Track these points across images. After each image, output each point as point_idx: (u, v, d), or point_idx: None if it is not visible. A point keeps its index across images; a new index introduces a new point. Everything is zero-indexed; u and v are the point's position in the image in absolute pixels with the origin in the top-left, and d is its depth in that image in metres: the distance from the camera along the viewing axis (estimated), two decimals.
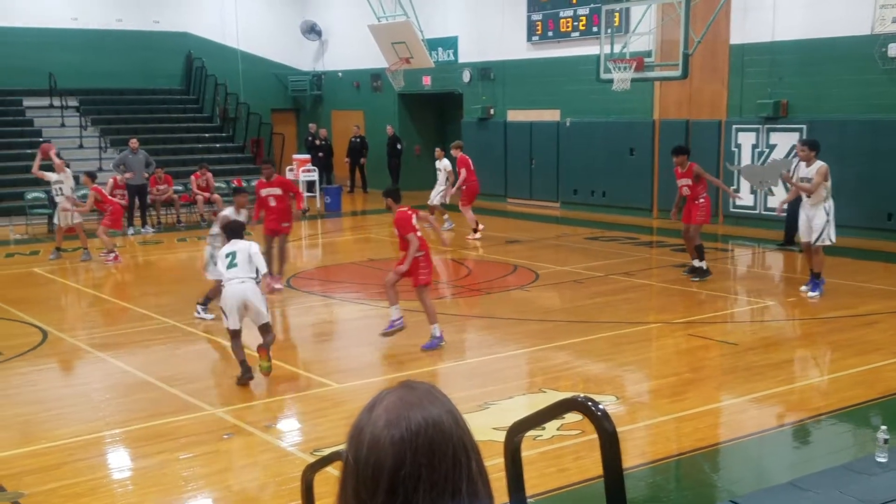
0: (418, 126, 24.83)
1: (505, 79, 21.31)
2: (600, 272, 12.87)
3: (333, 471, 1.52)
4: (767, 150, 16.34)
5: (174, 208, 19.18)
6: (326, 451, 5.38)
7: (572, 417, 5.11)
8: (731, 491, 5.66)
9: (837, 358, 8.65)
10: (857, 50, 14.74)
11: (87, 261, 14.55)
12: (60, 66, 22.30)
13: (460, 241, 16.04)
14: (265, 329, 8.23)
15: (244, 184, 21.05)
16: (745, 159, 16.60)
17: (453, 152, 16.84)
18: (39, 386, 8.26)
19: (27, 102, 22.42)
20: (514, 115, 21.23)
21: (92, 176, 15.23)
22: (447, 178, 16.97)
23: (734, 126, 16.92)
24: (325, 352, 9.63)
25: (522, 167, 21.00)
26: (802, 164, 11.34)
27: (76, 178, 15.85)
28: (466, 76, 22.25)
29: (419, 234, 9.01)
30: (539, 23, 20.21)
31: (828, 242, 10.87)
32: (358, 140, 24.57)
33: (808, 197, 10.95)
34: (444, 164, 17.12)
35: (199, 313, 10.39)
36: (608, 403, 7.23)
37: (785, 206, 12.51)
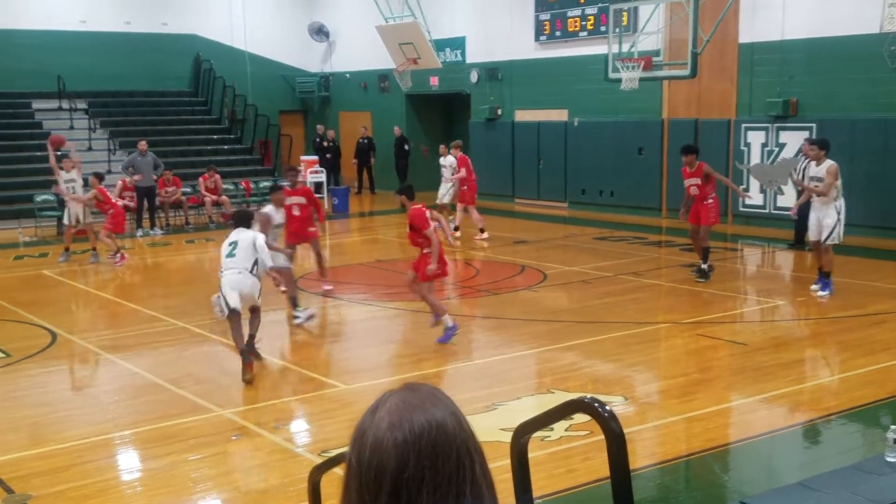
0: (426, 127, 24.83)
1: (513, 79, 21.29)
2: (609, 272, 12.84)
3: (340, 472, 1.51)
4: (777, 149, 16.28)
5: (182, 210, 19.22)
6: (334, 453, 5.38)
7: (581, 418, 5.09)
8: (740, 491, 5.64)
9: (847, 358, 8.60)
10: (866, 48, 14.67)
11: (96, 263, 14.59)
12: (69, 68, 22.37)
13: (468, 242, 16.03)
14: (254, 310, 8.52)
15: (253, 186, 21.17)
16: (755, 158, 16.54)
17: (453, 152, 16.81)
18: (48, 388, 8.28)
19: (36, 105, 22.50)
20: (522, 115, 21.20)
21: (100, 177, 15.26)
22: (452, 174, 16.88)
23: (743, 125, 16.87)
24: (333, 353, 9.62)
25: (530, 167, 20.97)
26: (812, 163, 11.30)
27: (84, 180, 15.89)
28: (474, 76, 22.23)
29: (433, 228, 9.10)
30: (547, 22, 20.18)
31: (836, 241, 10.83)
32: (365, 141, 24.58)
33: (818, 197, 10.91)
34: (448, 161, 17.09)
35: (299, 318, 10.14)
36: (617, 404, 7.21)
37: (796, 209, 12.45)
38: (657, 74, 15.86)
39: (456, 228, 16.14)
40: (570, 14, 19.63)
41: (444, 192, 17.21)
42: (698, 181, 11.95)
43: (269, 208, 10.25)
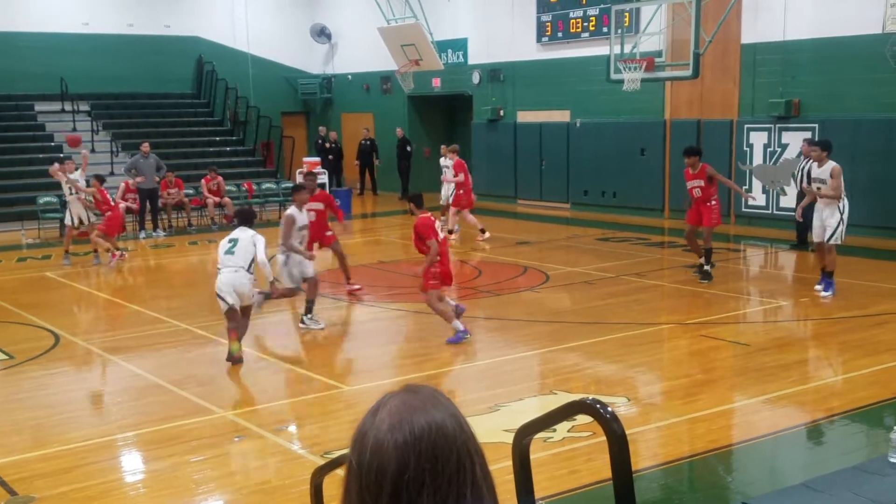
0: (428, 128, 24.84)
1: (515, 80, 21.28)
2: (611, 273, 12.84)
3: (342, 473, 1.51)
4: (779, 150, 16.27)
5: (185, 212, 19.24)
6: (337, 454, 5.39)
7: (583, 419, 5.10)
8: (743, 492, 5.63)
9: (850, 358, 8.59)
10: (868, 49, 14.66)
11: (98, 265, 14.61)
12: (72, 70, 22.41)
13: (470, 243, 16.03)
14: (246, 312, 8.70)
15: (255, 187, 21.18)
16: (757, 159, 16.53)
17: (450, 157, 16.72)
18: (51, 390, 8.28)
19: (39, 107, 22.54)
20: (524, 117, 21.20)
21: (100, 179, 15.27)
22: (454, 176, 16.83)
23: (746, 126, 16.86)
24: (336, 354, 9.62)
25: (532, 168, 20.97)
26: (814, 164, 11.29)
27: (87, 182, 15.89)
28: (476, 78, 22.24)
29: (440, 238, 9.17)
30: (549, 23, 20.18)
31: (838, 241, 10.82)
32: (368, 142, 24.59)
33: (822, 198, 10.91)
34: (448, 163, 17.05)
35: (306, 325, 10.06)
36: (619, 405, 7.20)
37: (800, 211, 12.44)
38: (659, 75, 15.84)
39: (450, 232, 16.12)
40: (571, 15, 19.63)
41: (448, 194, 17.19)
42: (701, 183, 11.93)
43: (292, 209, 10.08)
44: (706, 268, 12.01)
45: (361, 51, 24.46)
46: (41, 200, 18.50)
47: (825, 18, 15.39)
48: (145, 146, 18.28)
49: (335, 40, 26.47)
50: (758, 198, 16.07)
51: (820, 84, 15.68)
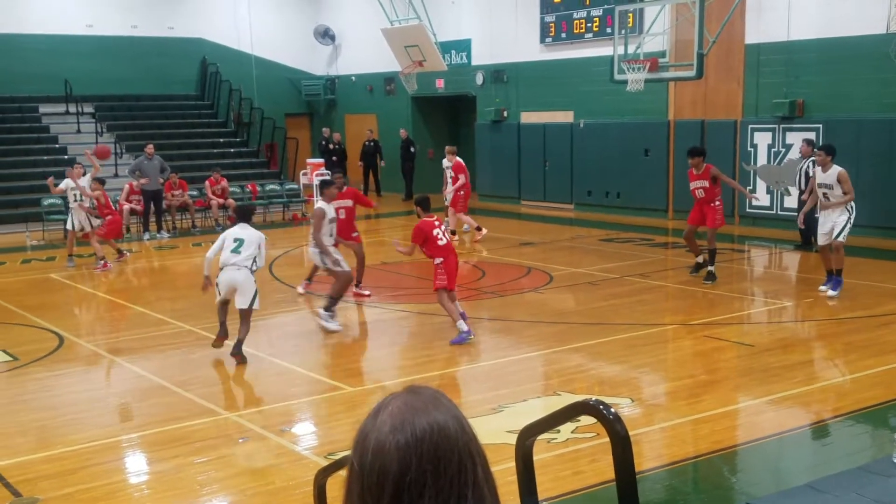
0: (431, 129, 24.85)
1: (518, 81, 21.29)
2: (615, 274, 12.83)
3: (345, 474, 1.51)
4: (783, 150, 16.25)
5: (189, 213, 19.27)
6: (340, 455, 5.39)
7: (587, 420, 5.09)
8: (748, 493, 5.62)
9: (855, 359, 8.57)
10: (872, 49, 14.63)
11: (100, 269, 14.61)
12: (76, 72, 22.44)
13: (473, 244, 16.04)
14: (244, 315, 8.75)
15: (259, 188, 21.19)
16: (761, 159, 16.51)
17: (449, 157, 16.71)
18: (56, 391, 8.30)
19: (43, 109, 22.58)
20: (528, 117, 21.20)
21: (101, 181, 15.27)
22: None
23: (750, 126, 16.84)
24: (340, 355, 9.62)
25: (536, 169, 20.96)
26: (815, 164, 11.27)
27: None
28: (479, 78, 22.24)
29: (441, 242, 9.28)
30: (552, 24, 20.18)
31: (841, 240, 10.81)
32: (371, 144, 24.60)
33: (827, 200, 10.89)
34: (448, 163, 17.01)
35: (326, 321, 9.97)
36: (623, 406, 7.20)
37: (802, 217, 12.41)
38: (663, 76, 15.83)
39: (453, 233, 16.13)
40: (575, 16, 19.63)
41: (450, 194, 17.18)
42: (705, 183, 11.93)
43: (321, 203, 10.16)
44: (710, 268, 12.00)
45: (365, 52, 24.47)
46: (45, 202, 18.53)
47: (829, 18, 15.37)
48: (149, 148, 18.31)
49: (339, 41, 26.49)
50: (762, 198, 16.07)
51: (824, 84, 15.66)
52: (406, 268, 13.77)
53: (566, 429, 6.41)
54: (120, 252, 15.10)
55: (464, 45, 22.49)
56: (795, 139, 15.95)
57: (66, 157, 20.53)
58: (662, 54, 15.98)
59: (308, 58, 26.76)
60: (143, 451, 6.79)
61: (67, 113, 22.33)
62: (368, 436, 1.42)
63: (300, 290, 12.05)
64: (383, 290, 12.33)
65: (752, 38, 16.62)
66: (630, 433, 2.11)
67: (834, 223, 10.84)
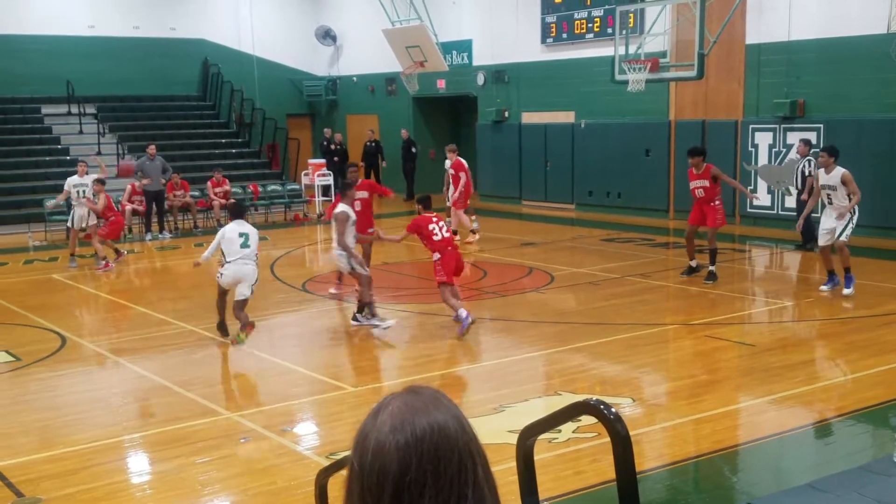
0: (433, 129, 24.86)
1: (519, 81, 21.29)
2: (616, 274, 12.84)
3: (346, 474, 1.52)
4: (784, 150, 16.25)
5: (191, 213, 19.29)
6: (342, 455, 5.40)
7: (588, 419, 5.10)
8: (749, 493, 5.63)
9: (856, 358, 8.57)
10: (873, 49, 14.63)
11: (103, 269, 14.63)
12: (78, 73, 22.46)
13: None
14: (239, 305, 9.18)
15: (260, 189, 21.21)
16: (762, 159, 16.51)
17: (449, 156, 16.69)
18: (58, 391, 8.32)
19: (45, 110, 22.60)
20: (529, 118, 21.21)
21: (102, 182, 15.30)
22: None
23: (751, 126, 16.84)
24: (341, 355, 9.63)
25: (537, 169, 20.97)
26: (815, 166, 11.27)
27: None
28: (481, 79, 22.25)
29: (436, 238, 9.49)
30: (553, 25, 20.18)
31: (843, 239, 10.82)
32: (373, 144, 24.61)
33: (830, 203, 10.90)
34: (448, 162, 17.01)
35: (367, 321, 9.86)
36: (624, 405, 7.20)
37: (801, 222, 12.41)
38: (664, 76, 15.84)
39: (454, 232, 16.10)
40: (576, 16, 19.64)
41: (452, 194, 17.17)
42: (706, 183, 11.92)
43: (344, 207, 9.97)
44: (711, 268, 12.00)
45: (366, 52, 24.49)
46: (48, 203, 18.54)
47: (830, 18, 15.37)
48: (151, 148, 18.32)
49: (340, 42, 26.50)
50: (762, 198, 16.07)
51: (825, 84, 15.66)
52: (407, 268, 13.79)
53: (567, 428, 6.42)
54: (118, 252, 15.10)
55: (465, 46, 22.50)
56: (796, 139, 15.92)
57: (68, 157, 20.56)
58: (663, 54, 16.00)
59: (309, 58, 26.78)
60: (145, 451, 6.80)
61: (69, 114, 22.35)
62: (368, 436, 1.43)
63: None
64: (384, 290, 12.32)
65: (752, 38, 16.62)
66: (631, 433, 2.12)
67: (836, 223, 10.84)
